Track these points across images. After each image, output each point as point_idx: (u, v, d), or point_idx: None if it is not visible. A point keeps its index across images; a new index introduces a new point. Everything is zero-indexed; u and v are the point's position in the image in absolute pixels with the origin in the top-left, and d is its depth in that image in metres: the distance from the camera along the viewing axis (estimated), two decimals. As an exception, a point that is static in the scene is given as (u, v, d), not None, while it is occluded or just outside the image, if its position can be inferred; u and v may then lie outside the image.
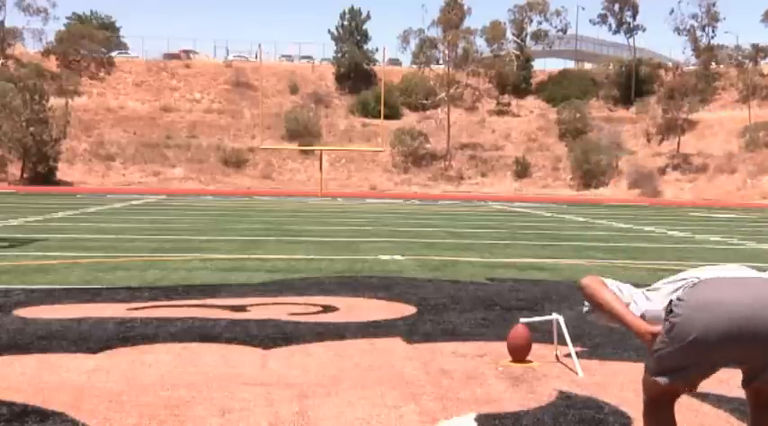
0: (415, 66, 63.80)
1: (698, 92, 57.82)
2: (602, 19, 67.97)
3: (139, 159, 54.77)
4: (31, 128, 46.99)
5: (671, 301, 2.81)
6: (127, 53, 69.49)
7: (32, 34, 63.81)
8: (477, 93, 64.84)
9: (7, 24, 63.80)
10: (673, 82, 60.36)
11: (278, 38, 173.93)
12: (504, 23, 65.60)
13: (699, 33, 62.72)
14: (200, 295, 7.69)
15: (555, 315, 5.30)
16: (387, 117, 53.52)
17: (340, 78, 67.83)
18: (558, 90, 66.27)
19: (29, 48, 65.51)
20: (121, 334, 5.79)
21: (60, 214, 20.74)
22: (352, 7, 69.66)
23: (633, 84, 65.29)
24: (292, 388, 4.48)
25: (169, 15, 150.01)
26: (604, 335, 5.94)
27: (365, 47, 69.21)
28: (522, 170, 57.16)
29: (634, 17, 67.66)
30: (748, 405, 3.04)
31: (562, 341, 5.17)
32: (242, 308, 6.98)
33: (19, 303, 7.02)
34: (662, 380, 2.83)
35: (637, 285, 3.17)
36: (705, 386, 2.94)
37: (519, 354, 5.20)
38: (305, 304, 7.33)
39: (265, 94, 58.58)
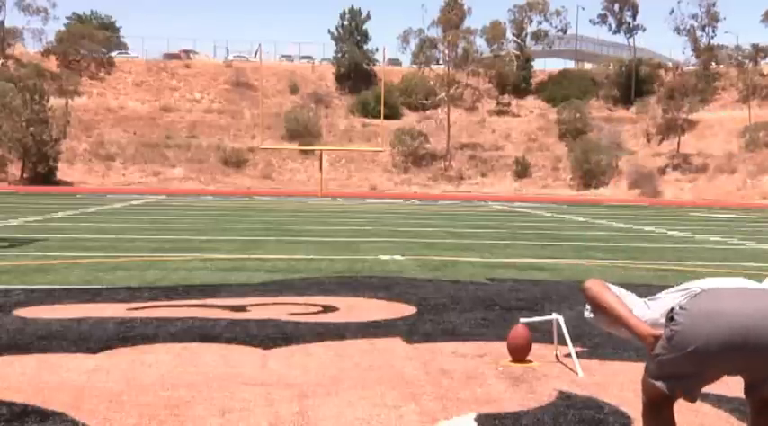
0: (415, 66, 63.81)
1: (698, 92, 57.83)
2: (602, 19, 68.03)
3: (139, 159, 54.78)
4: (31, 128, 47.00)
5: (672, 308, 2.82)
6: (127, 53, 69.50)
7: (32, 34, 63.93)
8: (477, 93, 64.85)
9: (7, 24, 63.89)
10: (673, 82, 60.37)
11: (278, 38, 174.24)
12: (504, 23, 65.69)
13: (699, 33, 62.77)
14: (200, 295, 7.69)
15: (555, 315, 5.30)
16: (387, 117, 53.52)
17: (340, 78, 67.84)
18: (558, 90, 66.29)
19: (29, 48, 65.53)
20: (121, 334, 5.79)
21: (60, 214, 20.74)
22: (352, 7, 69.71)
23: (633, 84, 65.30)
24: (292, 388, 4.48)
25: (169, 15, 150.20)
26: (604, 335, 5.91)
27: (365, 47, 69.23)
28: (522, 170, 57.17)
29: (634, 17, 67.73)
30: (748, 407, 3.04)
31: (562, 341, 5.17)
32: (242, 308, 6.98)
33: (19, 303, 7.02)
34: (661, 385, 2.84)
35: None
36: (705, 386, 2.94)
37: (519, 354, 5.20)
38: (305, 304, 7.33)
39: (265, 94, 58.59)
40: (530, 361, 5.19)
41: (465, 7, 62.07)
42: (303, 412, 4.04)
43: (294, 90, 65.51)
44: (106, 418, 3.90)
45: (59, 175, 49.60)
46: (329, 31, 69.59)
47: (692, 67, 63.06)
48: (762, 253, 14.26)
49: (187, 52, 70.85)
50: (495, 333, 6.01)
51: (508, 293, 8.23)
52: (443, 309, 7.16)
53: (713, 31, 62.70)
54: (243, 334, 5.87)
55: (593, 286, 3.05)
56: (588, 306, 3.10)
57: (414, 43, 62.80)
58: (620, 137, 58.95)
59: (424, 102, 62.27)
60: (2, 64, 59.98)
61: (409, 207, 31.64)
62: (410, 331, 6.18)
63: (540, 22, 68.33)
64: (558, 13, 67.37)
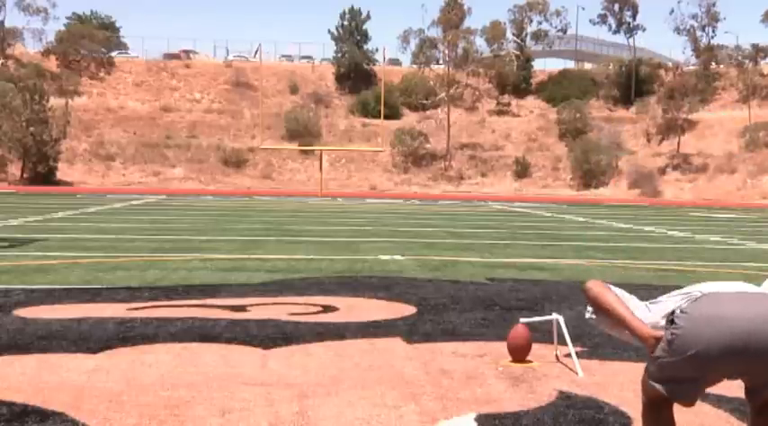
0: (415, 66, 63.82)
1: (698, 92, 57.84)
2: (602, 19, 68.04)
3: (139, 159, 54.79)
4: (31, 128, 47.01)
5: (673, 311, 2.82)
6: (127, 53, 69.50)
7: (32, 34, 63.93)
8: (477, 93, 64.85)
9: (7, 24, 63.89)
10: (673, 82, 60.38)
11: (278, 38, 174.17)
12: (504, 23, 65.69)
13: (699, 33, 62.77)
14: (200, 295, 7.69)
15: (555, 315, 5.30)
16: (387, 117, 53.53)
17: (340, 78, 67.84)
18: (558, 90, 66.29)
19: (29, 48, 65.53)
20: (121, 334, 5.79)
21: (60, 214, 20.74)
22: (352, 7, 69.70)
23: (633, 84, 65.31)
24: (292, 388, 4.48)
25: (169, 15, 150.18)
26: (604, 335, 5.89)
27: (365, 47, 69.23)
28: (522, 170, 57.17)
29: (634, 17, 67.74)
30: (748, 407, 3.04)
31: (562, 341, 5.17)
32: (242, 308, 6.98)
33: (19, 303, 7.02)
34: (660, 387, 2.85)
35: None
36: (705, 390, 2.94)
37: (519, 354, 5.20)
38: (305, 304, 7.33)
39: (265, 94, 58.59)
40: (530, 361, 5.18)
41: (465, 7, 62.14)
42: (303, 412, 4.04)
43: (294, 90, 65.51)
44: (106, 418, 3.90)
45: (59, 175, 49.61)
46: (329, 31, 69.72)
47: (692, 67, 63.07)
48: (762, 253, 14.26)
49: (187, 52, 70.85)
50: (495, 333, 6.01)
51: (508, 293, 8.23)
52: (443, 309, 7.16)
53: (713, 31, 62.79)
54: (243, 334, 5.87)
55: (595, 287, 3.05)
56: (589, 307, 3.10)
57: (414, 43, 62.91)
58: (620, 137, 58.96)
59: (424, 101, 62.28)
60: (2, 64, 59.98)
61: (409, 207, 31.65)
62: (410, 331, 6.18)
63: (540, 22, 68.46)
64: (558, 13, 67.44)
